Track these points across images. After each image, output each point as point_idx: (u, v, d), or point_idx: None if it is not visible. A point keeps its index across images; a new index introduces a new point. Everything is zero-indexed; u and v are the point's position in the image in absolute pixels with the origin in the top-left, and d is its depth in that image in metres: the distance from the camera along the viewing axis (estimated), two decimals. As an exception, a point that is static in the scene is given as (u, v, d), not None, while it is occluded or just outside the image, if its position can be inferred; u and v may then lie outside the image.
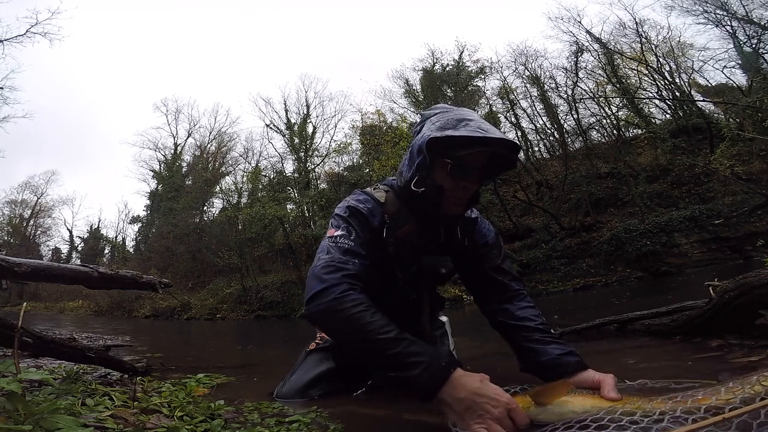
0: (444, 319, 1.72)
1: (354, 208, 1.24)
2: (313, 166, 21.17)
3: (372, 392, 1.35)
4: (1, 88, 16.46)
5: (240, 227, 18.43)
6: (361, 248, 1.15)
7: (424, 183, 1.18)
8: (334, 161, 21.18)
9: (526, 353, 1.20)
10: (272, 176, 22.05)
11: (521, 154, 16.87)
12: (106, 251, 31.50)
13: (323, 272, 1.06)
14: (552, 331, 1.24)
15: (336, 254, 1.11)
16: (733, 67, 14.06)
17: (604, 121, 15.66)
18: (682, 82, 15.22)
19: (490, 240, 1.40)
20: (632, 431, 0.71)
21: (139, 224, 29.80)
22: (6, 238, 29.06)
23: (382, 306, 1.31)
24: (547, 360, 1.15)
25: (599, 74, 15.92)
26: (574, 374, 1.07)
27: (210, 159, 27.22)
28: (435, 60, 19.87)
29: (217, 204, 24.27)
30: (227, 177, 24.64)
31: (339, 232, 1.17)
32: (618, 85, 15.43)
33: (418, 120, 1.31)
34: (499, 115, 18.17)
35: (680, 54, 15.08)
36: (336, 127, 22.69)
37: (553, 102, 16.73)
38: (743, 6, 13.22)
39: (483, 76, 18.88)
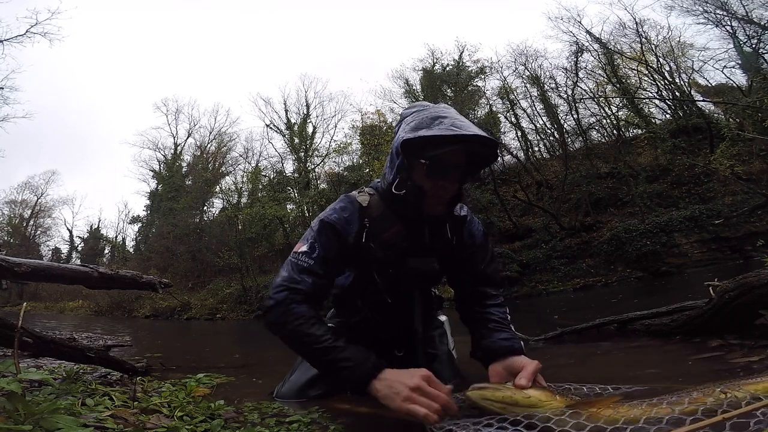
0: (443, 318, 1.71)
1: (326, 223, 1.24)
2: (313, 166, 21.21)
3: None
4: (1, 88, 16.47)
5: (240, 227, 18.42)
6: (321, 267, 1.19)
7: (404, 185, 1.18)
8: (334, 161, 21.23)
9: (475, 340, 1.28)
10: (272, 176, 22.10)
11: (521, 155, 17.00)
12: (106, 251, 31.51)
13: (274, 292, 1.16)
14: (511, 326, 1.29)
15: (292, 273, 1.18)
16: (733, 67, 14.10)
17: (604, 121, 15.67)
18: (682, 82, 15.24)
19: (478, 241, 1.39)
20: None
21: (139, 224, 29.82)
22: (6, 238, 29.06)
23: (369, 311, 1.31)
24: (485, 343, 1.23)
25: (599, 74, 15.94)
26: (504, 358, 1.15)
27: (210, 159, 27.23)
28: (435, 60, 19.90)
29: (217, 204, 24.31)
30: (227, 177, 24.68)
31: (303, 248, 1.22)
32: (618, 85, 15.43)
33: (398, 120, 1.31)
34: (499, 115, 18.19)
35: (680, 54, 15.10)
36: (336, 127, 22.77)
37: (553, 102, 16.74)
38: (743, 6, 13.24)
39: (483, 76, 18.89)
